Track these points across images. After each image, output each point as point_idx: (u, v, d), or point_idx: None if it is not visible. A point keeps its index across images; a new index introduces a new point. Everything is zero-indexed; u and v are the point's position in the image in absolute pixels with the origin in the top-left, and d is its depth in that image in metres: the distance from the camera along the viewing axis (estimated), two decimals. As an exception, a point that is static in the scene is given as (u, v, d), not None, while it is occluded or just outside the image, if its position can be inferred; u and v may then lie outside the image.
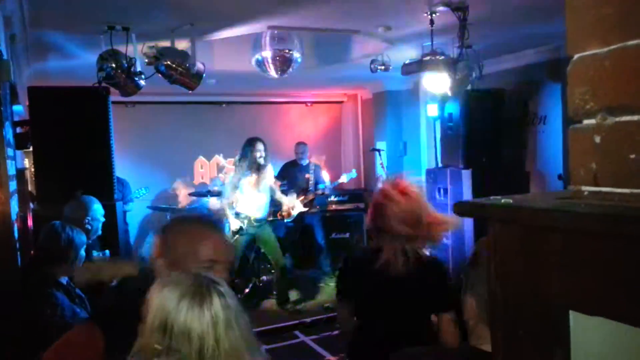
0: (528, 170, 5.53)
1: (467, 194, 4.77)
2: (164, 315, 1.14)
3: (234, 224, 5.58)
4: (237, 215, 5.60)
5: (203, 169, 7.96)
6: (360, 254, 2.49)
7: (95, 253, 2.93)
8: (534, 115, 5.53)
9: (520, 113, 5.59)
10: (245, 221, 5.60)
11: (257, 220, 5.63)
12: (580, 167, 0.73)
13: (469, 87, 4.94)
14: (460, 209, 0.79)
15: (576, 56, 0.74)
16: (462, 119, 5.04)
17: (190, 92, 4.20)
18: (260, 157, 5.59)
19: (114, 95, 3.91)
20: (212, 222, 1.58)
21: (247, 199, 5.61)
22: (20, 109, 4.37)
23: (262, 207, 5.69)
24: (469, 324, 1.35)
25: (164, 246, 1.51)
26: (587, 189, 0.73)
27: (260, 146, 5.62)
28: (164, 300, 1.16)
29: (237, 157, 5.86)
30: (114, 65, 3.62)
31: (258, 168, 5.60)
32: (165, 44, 3.94)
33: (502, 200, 0.76)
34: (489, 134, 5.09)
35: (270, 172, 5.78)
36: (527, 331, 0.75)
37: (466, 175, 4.92)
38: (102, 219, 3.10)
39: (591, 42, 0.71)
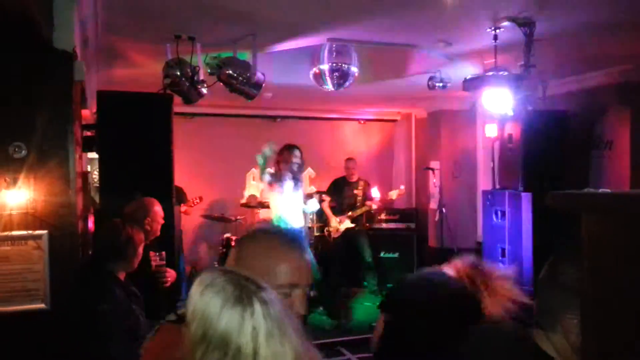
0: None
1: (526, 218, 4.60)
2: (207, 324, 1.09)
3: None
4: None
5: (255, 182, 8.06)
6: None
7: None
8: (599, 139, 5.30)
9: (585, 137, 5.37)
10: None
11: None
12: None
13: (531, 108, 4.80)
14: (554, 200, 0.74)
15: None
16: (523, 140, 4.89)
17: (248, 102, 4.27)
18: (296, 164, 5.41)
19: (175, 107, 4.01)
20: (293, 240, 1.44)
21: (282, 209, 5.41)
22: (87, 114, 4.56)
23: (298, 218, 5.52)
24: None
25: (239, 262, 1.42)
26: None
27: (298, 153, 5.45)
28: (206, 307, 1.10)
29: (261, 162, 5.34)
30: (178, 73, 3.73)
31: (294, 177, 5.40)
32: (228, 54, 4.04)
33: (600, 190, 0.70)
34: (551, 156, 4.91)
35: (306, 182, 5.65)
36: (623, 333, 0.68)
37: (526, 198, 4.75)
38: (161, 221, 3.17)
39: None
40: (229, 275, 1.18)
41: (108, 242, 2.57)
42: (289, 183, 5.40)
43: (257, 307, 1.11)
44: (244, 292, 1.13)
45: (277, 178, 5.36)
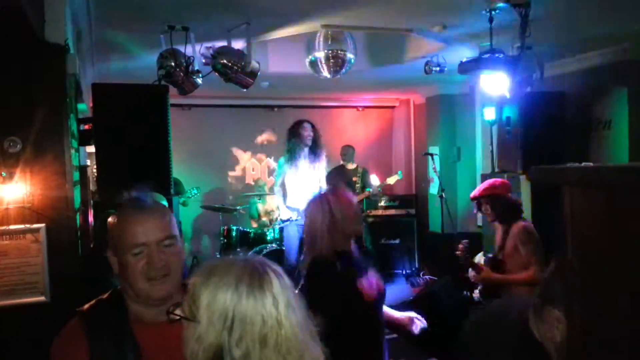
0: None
1: (525, 200, 4.59)
2: (222, 306, 1.07)
3: (284, 214, 5.41)
4: (289, 208, 5.38)
5: (254, 172, 8.06)
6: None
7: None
8: (597, 120, 5.28)
9: (583, 117, 5.35)
10: (295, 213, 5.31)
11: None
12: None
13: (528, 90, 4.77)
14: (537, 175, 0.74)
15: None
16: (521, 123, 4.87)
17: (244, 91, 4.25)
18: (309, 137, 5.26)
19: (172, 98, 4.00)
20: (140, 202, 1.48)
21: (296, 188, 5.35)
22: (84, 108, 4.56)
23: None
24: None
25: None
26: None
27: (308, 126, 5.29)
28: (217, 291, 1.09)
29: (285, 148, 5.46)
30: (173, 63, 3.71)
31: (309, 152, 5.26)
32: (222, 44, 4.02)
33: (583, 164, 0.70)
34: (550, 138, 4.89)
35: (323, 162, 5.45)
36: (609, 309, 0.68)
37: (525, 180, 4.74)
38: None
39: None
40: (227, 260, 1.17)
41: (105, 235, 2.57)
42: (303, 161, 5.28)
43: (274, 278, 1.12)
44: (255, 266, 1.14)
45: (291, 157, 5.28)
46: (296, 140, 5.27)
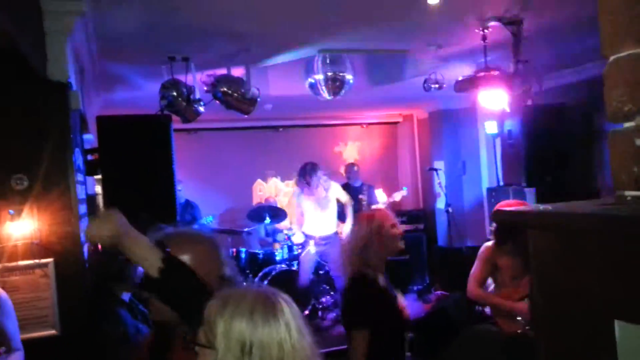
0: (596, 188, 5.27)
1: (529, 213, 4.61)
2: (239, 333, 1.13)
3: (298, 238, 5.79)
4: (305, 235, 5.76)
5: (262, 192, 8.12)
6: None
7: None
8: (599, 130, 5.28)
9: (585, 129, 5.35)
10: (312, 241, 5.68)
11: (322, 239, 5.71)
12: (622, 172, 0.71)
13: (529, 103, 4.80)
14: (499, 217, 0.78)
15: (612, 58, 0.72)
16: (523, 136, 4.89)
17: (245, 116, 4.32)
18: (315, 188, 5.64)
19: (177, 123, 4.08)
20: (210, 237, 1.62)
21: (310, 217, 5.73)
22: (90, 138, 4.65)
23: (327, 225, 5.79)
24: None
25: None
26: (630, 193, 0.70)
27: (319, 172, 5.70)
28: (232, 319, 1.14)
29: (296, 178, 5.91)
30: (175, 93, 3.80)
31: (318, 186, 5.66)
32: (222, 71, 4.10)
33: (541, 207, 0.74)
34: (552, 150, 4.90)
35: (335, 189, 5.83)
36: (570, 342, 0.72)
37: (530, 193, 4.75)
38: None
39: (626, 42, 0.69)
40: (240, 289, 1.23)
41: (106, 265, 2.63)
42: (315, 192, 5.67)
43: (285, 305, 1.18)
44: (267, 294, 1.19)
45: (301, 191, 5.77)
46: (303, 184, 5.62)
